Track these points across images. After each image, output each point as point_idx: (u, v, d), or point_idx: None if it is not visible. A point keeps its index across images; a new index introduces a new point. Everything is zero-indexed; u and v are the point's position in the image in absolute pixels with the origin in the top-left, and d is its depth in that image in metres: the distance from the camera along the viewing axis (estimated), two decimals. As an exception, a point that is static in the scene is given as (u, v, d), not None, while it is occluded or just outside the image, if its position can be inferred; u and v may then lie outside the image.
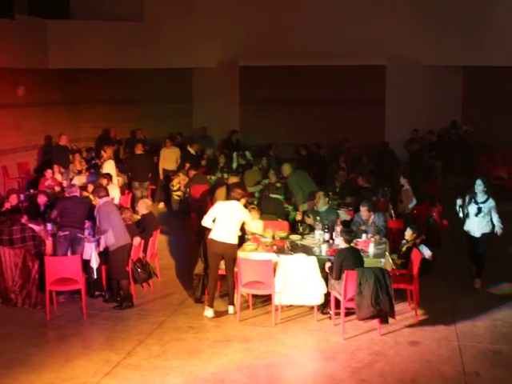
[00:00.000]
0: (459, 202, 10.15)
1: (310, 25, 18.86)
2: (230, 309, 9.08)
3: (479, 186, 9.94)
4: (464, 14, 18.14)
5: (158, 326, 8.66)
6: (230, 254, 8.99)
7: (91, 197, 10.74)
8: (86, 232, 9.80)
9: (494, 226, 9.92)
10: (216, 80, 19.87)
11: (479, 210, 9.92)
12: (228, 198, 9.36)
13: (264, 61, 19.04)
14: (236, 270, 8.90)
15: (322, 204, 10.61)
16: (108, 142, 16.38)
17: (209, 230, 9.12)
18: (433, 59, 18.70)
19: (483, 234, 10.00)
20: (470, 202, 10.00)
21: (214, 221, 9.05)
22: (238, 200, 9.17)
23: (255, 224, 9.88)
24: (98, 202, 9.30)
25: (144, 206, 10.47)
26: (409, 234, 9.77)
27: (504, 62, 17.94)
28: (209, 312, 8.97)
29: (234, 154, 16.73)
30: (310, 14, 18.98)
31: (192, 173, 14.42)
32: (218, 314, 9.02)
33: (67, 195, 10.32)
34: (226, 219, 8.97)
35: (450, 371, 7.33)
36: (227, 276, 9.14)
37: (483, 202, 9.93)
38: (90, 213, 9.73)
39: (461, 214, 10.16)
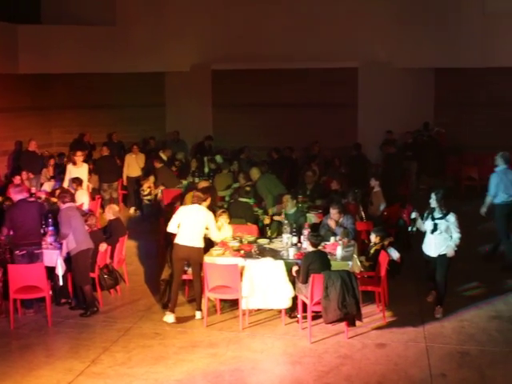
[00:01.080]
0: (414, 214, 9.15)
1: (283, 28, 18.85)
2: (198, 314, 9.00)
3: (432, 200, 8.93)
4: (435, 17, 18.26)
5: (123, 332, 8.55)
6: (195, 258, 8.93)
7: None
8: (51, 239, 9.61)
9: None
10: (189, 84, 19.77)
11: (435, 227, 8.85)
12: (192, 202, 9.28)
13: (237, 64, 18.95)
14: (202, 274, 8.83)
15: (290, 207, 10.59)
16: (81, 147, 16.26)
17: (175, 235, 9.05)
18: (404, 61, 18.76)
19: (441, 256, 8.90)
20: (427, 218, 8.98)
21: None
22: (200, 203, 9.13)
23: (224, 229, 9.93)
24: (61, 207, 9.14)
25: (111, 212, 10.35)
26: (373, 237, 9.78)
27: (475, 64, 18.11)
28: (169, 317, 8.88)
29: (205, 159, 16.67)
30: (282, 17, 18.96)
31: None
32: (185, 320, 8.94)
33: (14, 199, 9.56)
34: (189, 223, 8.93)
35: (416, 373, 7.31)
36: (194, 281, 9.05)
37: (440, 218, 8.85)
38: (46, 214, 9.56)
39: (410, 228, 9.26)
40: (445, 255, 8.86)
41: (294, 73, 19.03)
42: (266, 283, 8.57)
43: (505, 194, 10.96)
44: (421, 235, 9.30)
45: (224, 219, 10.07)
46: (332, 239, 9.52)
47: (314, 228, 10.03)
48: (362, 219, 11.42)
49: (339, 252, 9.02)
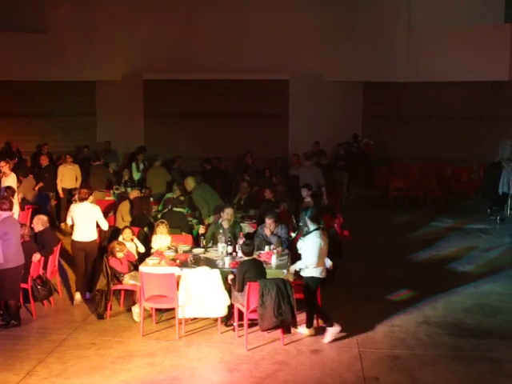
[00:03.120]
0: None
1: (216, 39, 18.98)
2: (77, 295, 9.97)
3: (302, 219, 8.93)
4: (364, 31, 18.77)
5: (59, 344, 8.44)
6: (90, 249, 9.99)
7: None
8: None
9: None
10: (120, 93, 19.63)
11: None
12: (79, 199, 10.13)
13: (169, 75, 18.95)
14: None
15: (230, 220, 10.60)
16: (10, 156, 15.87)
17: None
18: (334, 75, 19.24)
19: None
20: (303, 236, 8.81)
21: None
22: (86, 199, 9.99)
23: (162, 239, 10.08)
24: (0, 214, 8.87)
25: (40, 223, 10.12)
26: None
27: (401, 78, 18.74)
28: (77, 295, 9.96)
29: (133, 165, 16.64)
30: (215, 28, 19.09)
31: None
32: (121, 329, 8.93)
33: None
34: (81, 221, 9.93)
35: (350, 377, 7.52)
36: (87, 267, 9.98)
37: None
38: None
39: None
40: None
41: (227, 84, 19.14)
42: (202, 292, 8.63)
43: None
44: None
45: (162, 229, 10.16)
46: (266, 248, 9.65)
47: (249, 237, 10.12)
48: (294, 229, 11.60)
49: (274, 261, 9.16)
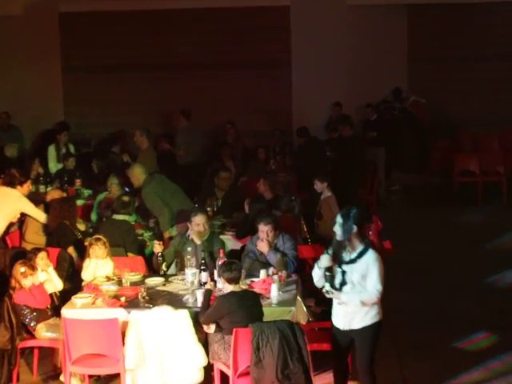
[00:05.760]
0: (324, 261, 8.09)
1: None
2: None
3: (337, 226, 8.06)
4: None
5: None
6: None
7: None
8: None
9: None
10: (23, 36, 19.60)
11: (343, 278, 8.11)
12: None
13: (101, 4, 19.02)
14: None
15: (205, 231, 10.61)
16: None
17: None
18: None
19: (362, 328, 8.20)
20: (334, 264, 8.16)
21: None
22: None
23: (98, 265, 10.07)
24: None
25: None
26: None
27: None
28: None
29: (51, 148, 16.78)
30: None
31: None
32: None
33: None
34: None
35: None
36: None
37: (351, 262, 8.09)
38: None
39: (328, 288, 8.09)
40: (368, 327, 8.22)
41: (195, 15, 19.24)
42: (162, 347, 8.59)
43: None
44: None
45: (98, 251, 10.12)
46: (263, 273, 9.58)
47: (234, 256, 10.08)
48: (306, 241, 11.53)
49: (275, 292, 9.10)
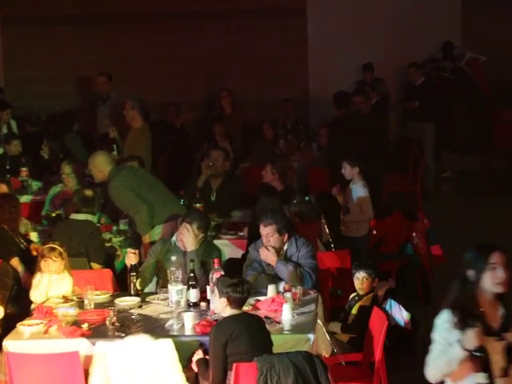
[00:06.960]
0: (472, 339, 6.77)
1: None
2: None
3: None
4: None
5: None
6: None
7: None
8: None
9: None
10: None
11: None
12: None
13: None
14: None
15: (191, 242, 10.43)
16: None
17: None
18: None
19: None
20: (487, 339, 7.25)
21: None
22: None
23: (53, 282, 10.07)
24: None
25: None
26: (359, 280, 9.79)
27: None
28: None
29: None
30: None
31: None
32: None
33: None
34: None
35: None
36: None
37: None
38: None
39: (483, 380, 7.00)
40: None
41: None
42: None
43: None
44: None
45: (51, 264, 9.99)
46: (271, 290, 9.44)
47: (233, 268, 10.10)
48: (329, 245, 11.54)
49: (287, 315, 9.01)
